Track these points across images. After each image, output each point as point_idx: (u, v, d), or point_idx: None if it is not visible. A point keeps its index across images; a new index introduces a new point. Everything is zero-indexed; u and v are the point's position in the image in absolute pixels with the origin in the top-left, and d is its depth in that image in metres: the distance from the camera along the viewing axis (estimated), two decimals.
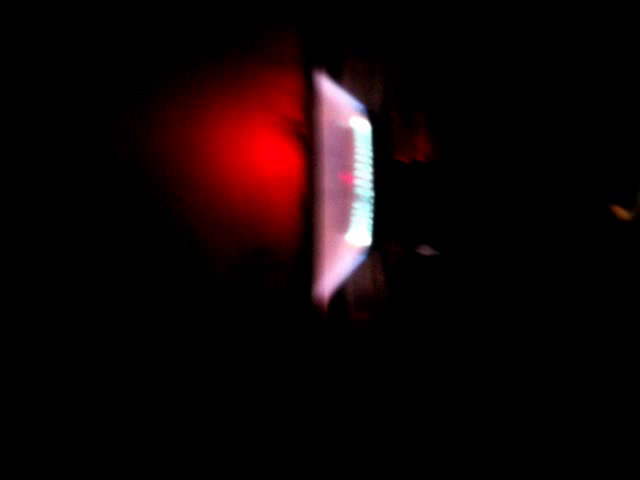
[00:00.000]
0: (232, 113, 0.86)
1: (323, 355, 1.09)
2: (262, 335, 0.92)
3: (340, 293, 1.32)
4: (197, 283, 0.88)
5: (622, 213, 1.18)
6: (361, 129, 1.31)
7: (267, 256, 0.89)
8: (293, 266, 0.89)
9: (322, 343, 1.07)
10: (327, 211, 1.30)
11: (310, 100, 0.88)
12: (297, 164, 0.87)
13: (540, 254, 1.15)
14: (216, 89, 0.85)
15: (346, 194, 1.27)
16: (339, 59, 1.38)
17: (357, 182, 1.26)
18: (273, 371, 0.94)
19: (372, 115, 1.26)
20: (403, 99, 1.05)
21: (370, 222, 1.22)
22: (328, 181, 1.30)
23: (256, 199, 0.86)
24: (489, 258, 1.06)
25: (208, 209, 0.86)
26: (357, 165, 1.28)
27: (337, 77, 1.37)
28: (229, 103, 0.86)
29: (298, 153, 0.87)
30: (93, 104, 0.84)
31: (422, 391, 1.14)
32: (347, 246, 1.34)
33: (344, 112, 1.37)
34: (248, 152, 0.86)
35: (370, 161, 1.23)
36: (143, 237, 0.87)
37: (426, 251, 1.09)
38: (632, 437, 1.00)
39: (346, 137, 1.31)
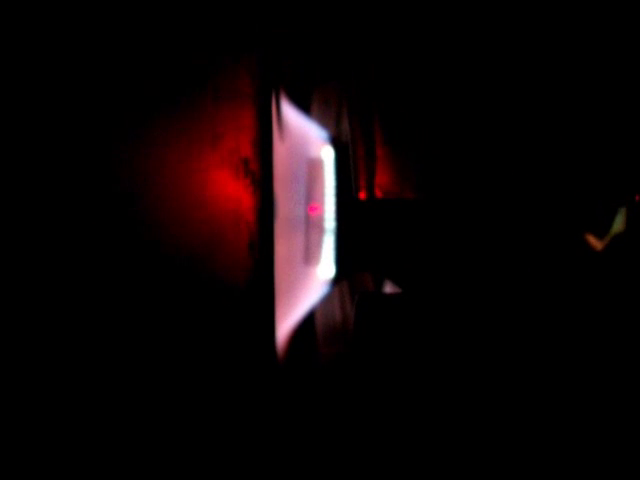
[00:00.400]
0: (181, 148, 0.84)
1: (280, 396, 1.06)
2: (213, 374, 0.90)
3: (307, 326, 1.29)
4: (141, 316, 0.86)
5: (594, 242, 1.17)
6: (329, 160, 1.29)
7: (215, 293, 0.87)
8: (244, 302, 0.87)
9: (279, 381, 1.03)
10: (293, 243, 1.28)
11: (265, 133, 0.87)
12: (246, 201, 0.85)
13: (509, 287, 1.13)
14: (164, 124, 0.84)
15: (314, 226, 1.25)
16: (308, 88, 1.38)
17: (323, 214, 1.25)
18: (226, 413, 0.91)
19: (337, 145, 1.25)
20: (367, 130, 1.03)
21: (334, 254, 1.20)
22: (295, 213, 1.28)
23: (204, 237, 0.84)
24: (452, 294, 1.03)
25: (155, 242, 0.84)
26: (323, 197, 1.26)
27: (305, 106, 1.37)
28: (177, 139, 0.84)
29: (247, 189, 0.84)
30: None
31: (394, 427, 1.12)
32: (313, 278, 1.32)
33: (312, 142, 1.36)
34: (197, 188, 0.84)
35: (334, 192, 1.21)
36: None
37: (389, 287, 1.07)
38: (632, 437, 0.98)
39: (314, 168, 1.30)
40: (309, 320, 1.30)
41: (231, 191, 0.84)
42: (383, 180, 0.94)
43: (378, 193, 0.95)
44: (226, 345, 0.90)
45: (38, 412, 0.80)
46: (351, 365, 1.17)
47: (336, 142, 1.30)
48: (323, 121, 1.42)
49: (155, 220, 0.83)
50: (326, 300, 1.36)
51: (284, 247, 1.25)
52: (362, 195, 0.95)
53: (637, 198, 1.07)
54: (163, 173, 0.82)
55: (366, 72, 0.99)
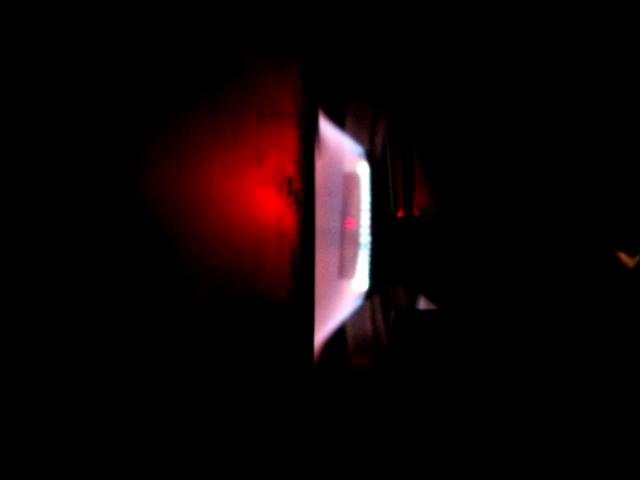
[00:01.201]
0: (225, 168, 0.87)
1: (316, 403, 1.08)
2: (255, 383, 0.92)
3: (340, 338, 1.31)
4: (186, 331, 0.88)
5: (626, 260, 1.17)
6: (364, 175, 1.31)
7: (257, 308, 0.90)
8: (285, 317, 0.89)
9: (315, 391, 1.05)
10: (328, 256, 1.30)
11: (307, 152, 0.89)
12: (288, 219, 0.88)
13: (544, 304, 1.14)
14: (210, 142, 0.87)
15: (349, 239, 1.28)
16: (342, 103, 1.40)
17: (358, 228, 1.26)
18: (265, 421, 0.93)
19: (373, 160, 1.27)
20: (404, 147, 1.05)
21: (368, 268, 1.22)
22: (331, 227, 1.30)
23: (247, 254, 0.86)
24: (487, 313, 1.05)
25: (200, 258, 0.86)
26: (359, 211, 1.28)
27: (340, 121, 1.39)
28: (222, 157, 0.87)
29: (290, 208, 0.87)
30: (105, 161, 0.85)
31: (419, 443, 1.13)
32: (348, 291, 1.34)
33: (348, 158, 1.38)
34: (240, 206, 0.87)
35: (369, 207, 1.23)
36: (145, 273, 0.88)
37: (422, 304, 1.09)
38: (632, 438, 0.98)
39: (350, 183, 1.32)
40: (341, 331, 1.32)
41: (275, 209, 0.86)
42: (421, 199, 0.96)
43: (416, 211, 0.97)
44: (268, 359, 0.92)
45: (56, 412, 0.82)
46: (388, 379, 1.17)
47: (371, 157, 1.32)
48: (358, 136, 1.44)
49: (201, 236, 0.86)
50: (358, 313, 1.38)
51: (321, 260, 1.27)
52: (400, 213, 0.97)
53: None
54: (209, 191, 0.85)
55: (405, 98, 1.01)
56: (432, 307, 1.08)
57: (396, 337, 1.04)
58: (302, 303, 0.89)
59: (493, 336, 1.03)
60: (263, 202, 0.86)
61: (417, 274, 1.11)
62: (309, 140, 0.89)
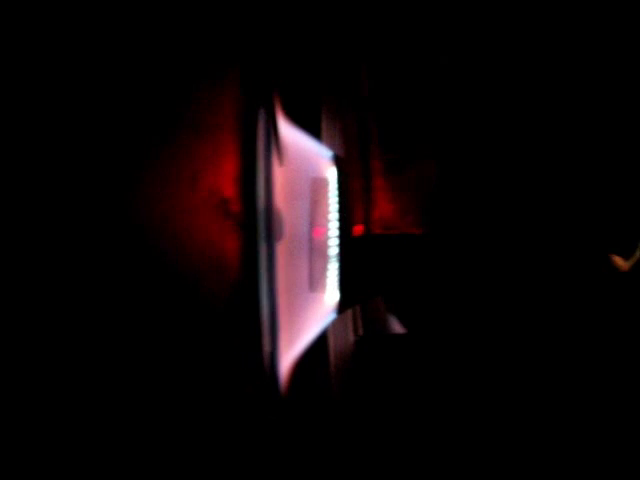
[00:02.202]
0: (159, 191, 0.78)
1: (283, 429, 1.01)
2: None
3: (320, 358, 1.24)
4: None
5: (620, 263, 1.12)
6: (332, 180, 1.23)
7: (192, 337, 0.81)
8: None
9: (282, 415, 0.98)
10: (298, 268, 1.23)
11: (249, 170, 0.80)
12: (228, 247, 0.79)
13: (525, 323, 1.05)
14: (140, 163, 0.78)
15: (318, 250, 1.20)
16: (315, 104, 1.32)
17: (327, 238, 1.19)
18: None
19: (340, 163, 1.18)
20: (364, 158, 0.96)
21: (338, 280, 1.14)
22: (300, 237, 1.22)
23: (180, 287, 0.78)
24: (461, 336, 0.96)
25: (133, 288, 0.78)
26: (327, 220, 1.20)
27: (312, 124, 1.31)
28: (155, 179, 0.78)
29: (230, 234, 0.78)
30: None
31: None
32: (320, 305, 1.27)
33: (316, 162, 1.30)
34: (175, 233, 0.78)
35: (337, 216, 1.15)
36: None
37: (396, 327, 1.00)
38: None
39: (318, 189, 1.24)
40: (321, 351, 1.24)
41: (211, 235, 0.78)
42: (381, 214, 0.87)
43: (375, 228, 0.87)
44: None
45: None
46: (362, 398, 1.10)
47: (340, 162, 1.24)
48: (329, 139, 1.36)
49: (130, 266, 0.78)
50: (340, 331, 1.31)
51: (289, 271, 1.20)
52: (358, 230, 0.88)
53: None
54: (138, 219, 0.77)
55: (362, 91, 0.92)
56: (399, 331, 0.99)
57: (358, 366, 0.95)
58: (244, 332, 0.80)
59: (466, 363, 0.94)
60: (199, 229, 0.78)
61: (384, 292, 1.02)
62: (252, 155, 0.80)
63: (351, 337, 1.45)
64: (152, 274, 0.80)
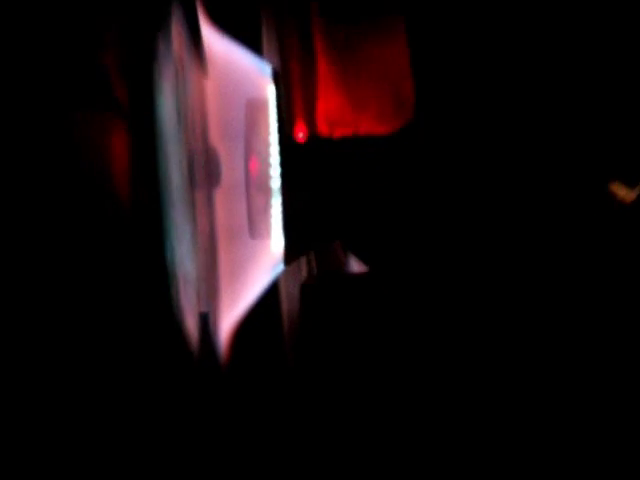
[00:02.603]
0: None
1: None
2: None
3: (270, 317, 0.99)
4: None
5: (623, 192, 0.92)
6: (272, 99, 0.99)
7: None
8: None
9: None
10: (233, 212, 1.00)
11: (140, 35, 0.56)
12: (116, 151, 0.55)
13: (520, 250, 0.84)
14: None
15: (257, 186, 0.97)
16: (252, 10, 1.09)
17: (267, 169, 0.95)
18: None
19: (276, 76, 0.94)
20: (303, 32, 0.71)
21: (283, 221, 0.92)
22: (232, 172, 1.00)
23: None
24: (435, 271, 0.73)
25: None
26: (266, 147, 0.97)
27: (246, 34, 1.08)
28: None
29: (110, 130, 0.54)
30: None
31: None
32: (265, 254, 1.04)
33: (251, 78, 1.06)
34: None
35: (278, 140, 0.92)
36: None
37: (354, 266, 0.77)
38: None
39: (255, 111, 1.00)
40: (272, 309, 1.00)
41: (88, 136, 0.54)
42: (330, 107, 0.63)
43: (322, 127, 0.64)
44: None
45: None
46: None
47: (275, 75, 1.00)
48: (268, 51, 1.12)
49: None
50: (292, 282, 1.09)
51: (224, 216, 0.98)
52: (298, 130, 0.64)
53: None
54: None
55: None
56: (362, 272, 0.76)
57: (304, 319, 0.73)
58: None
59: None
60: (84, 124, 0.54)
61: (341, 221, 0.79)
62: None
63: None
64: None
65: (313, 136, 0.65)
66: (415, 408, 0.83)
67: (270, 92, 1.03)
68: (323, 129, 0.64)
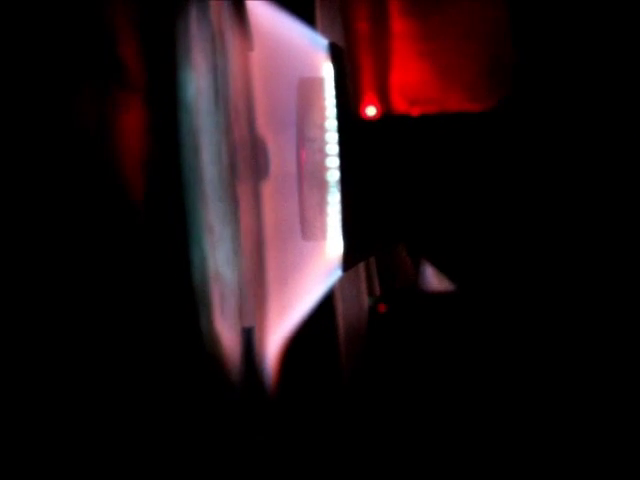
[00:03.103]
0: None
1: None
2: None
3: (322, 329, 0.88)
4: None
5: None
6: (329, 80, 0.85)
7: None
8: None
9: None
10: (282, 210, 0.86)
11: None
12: (128, 123, 0.41)
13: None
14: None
15: (311, 179, 0.83)
16: None
17: (324, 159, 0.81)
18: None
19: (336, 53, 0.80)
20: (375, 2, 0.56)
21: (342, 220, 0.77)
22: (282, 164, 0.86)
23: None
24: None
25: None
26: (323, 135, 0.82)
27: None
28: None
29: (122, 107, 0.41)
30: None
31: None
32: (319, 259, 0.90)
33: (304, 55, 0.92)
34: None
35: (338, 127, 0.77)
36: None
37: (436, 283, 0.61)
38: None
39: (309, 93, 0.86)
40: (324, 320, 0.89)
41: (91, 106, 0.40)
42: (407, 79, 0.48)
43: (399, 103, 0.49)
44: None
45: None
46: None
47: (335, 51, 0.86)
48: (323, 24, 0.99)
49: None
50: (347, 290, 0.95)
51: (272, 214, 0.84)
52: (368, 109, 0.49)
53: None
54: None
55: None
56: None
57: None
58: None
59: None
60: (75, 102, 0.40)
61: (417, 220, 0.63)
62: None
63: (365, 301, 1.10)
64: None
65: (386, 114, 0.50)
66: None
67: (326, 70, 0.89)
68: (399, 105, 0.49)
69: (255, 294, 0.81)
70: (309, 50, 0.92)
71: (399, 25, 0.50)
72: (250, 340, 0.76)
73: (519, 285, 0.57)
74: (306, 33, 0.94)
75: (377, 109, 0.51)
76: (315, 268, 0.91)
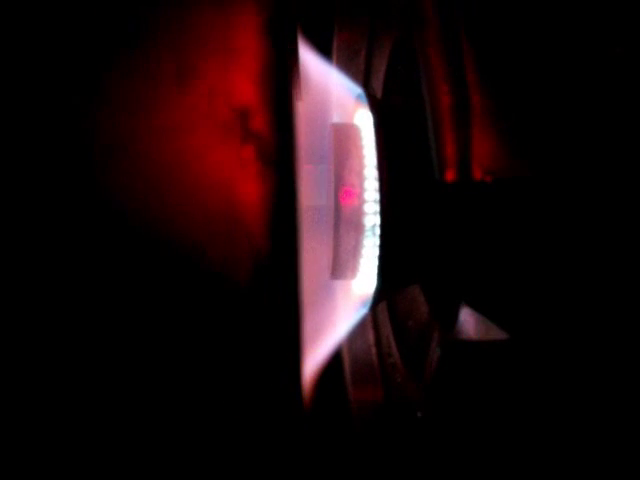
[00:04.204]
0: (173, 110, 0.43)
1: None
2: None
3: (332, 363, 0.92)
4: None
5: None
6: (366, 126, 0.89)
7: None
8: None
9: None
10: (315, 248, 0.89)
11: (283, 64, 0.45)
12: (246, 189, 0.44)
13: None
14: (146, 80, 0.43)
15: (347, 222, 0.86)
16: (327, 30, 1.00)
17: (361, 204, 0.85)
18: None
19: (376, 105, 0.84)
20: (455, 65, 0.60)
21: (378, 262, 0.81)
22: (318, 204, 0.89)
23: (176, 257, 0.43)
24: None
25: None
26: (360, 180, 0.86)
27: (326, 55, 0.99)
28: (169, 97, 0.43)
29: (247, 167, 0.44)
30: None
31: None
32: (347, 297, 0.93)
33: (340, 102, 0.96)
34: (189, 159, 0.43)
35: (376, 173, 0.81)
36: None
37: (483, 331, 0.65)
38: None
39: (345, 138, 0.90)
40: (332, 361, 0.92)
41: (219, 174, 0.43)
42: (485, 150, 0.52)
43: (477, 172, 0.53)
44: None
45: None
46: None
47: (374, 101, 0.90)
48: (349, 73, 1.03)
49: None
50: (355, 332, 0.98)
51: (303, 252, 0.87)
52: (450, 175, 0.54)
53: None
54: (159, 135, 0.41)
55: None
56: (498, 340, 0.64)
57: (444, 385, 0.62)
58: (276, 337, 0.47)
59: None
60: (193, 155, 0.43)
61: (455, 270, 0.67)
62: (287, 38, 0.45)
63: (371, 339, 1.14)
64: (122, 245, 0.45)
65: (465, 181, 0.55)
66: None
67: (359, 118, 0.93)
68: (477, 174, 0.53)
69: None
70: (345, 97, 0.96)
71: (477, 96, 0.54)
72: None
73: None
74: (338, 80, 0.99)
75: (454, 177, 0.55)
76: (340, 305, 0.95)
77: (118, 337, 0.51)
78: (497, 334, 0.61)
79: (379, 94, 1.02)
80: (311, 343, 0.88)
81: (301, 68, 0.83)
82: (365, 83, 1.07)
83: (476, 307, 0.64)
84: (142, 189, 0.48)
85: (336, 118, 0.97)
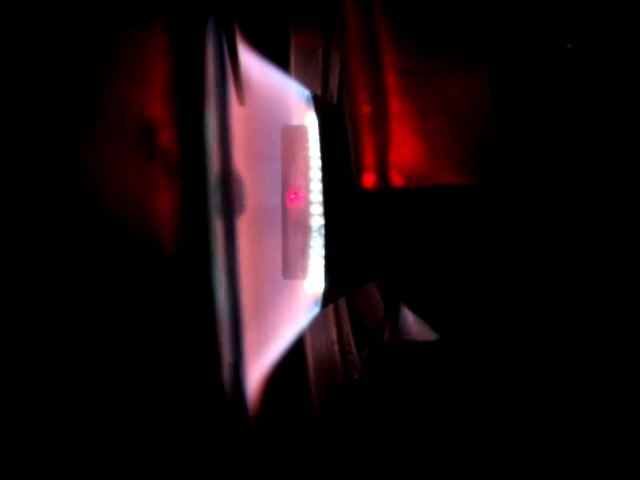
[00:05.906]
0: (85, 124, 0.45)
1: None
2: None
3: (293, 366, 0.91)
4: None
5: None
6: (313, 128, 0.90)
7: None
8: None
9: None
10: (266, 250, 0.91)
11: (186, 79, 0.47)
12: (160, 203, 0.46)
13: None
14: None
15: (295, 223, 0.88)
16: (283, 32, 1.01)
17: (307, 205, 0.86)
18: None
19: (324, 108, 0.85)
20: (375, 83, 0.62)
21: (324, 261, 0.83)
22: (267, 206, 0.91)
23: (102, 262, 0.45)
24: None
25: None
26: (306, 181, 0.88)
27: (279, 57, 1.00)
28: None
29: (157, 184, 0.45)
30: None
31: None
32: (298, 296, 0.95)
33: (289, 105, 0.97)
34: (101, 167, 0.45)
35: (321, 175, 0.83)
36: None
37: (419, 332, 0.67)
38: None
39: (294, 140, 0.91)
40: (295, 357, 0.91)
41: (135, 188, 0.45)
42: (404, 156, 0.54)
43: (395, 178, 0.55)
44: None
45: None
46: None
47: (323, 104, 0.91)
48: (304, 76, 1.04)
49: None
50: (319, 328, 1.00)
51: (254, 253, 0.89)
52: (367, 181, 0.55)
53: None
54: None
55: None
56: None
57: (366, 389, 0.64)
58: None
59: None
60: (118, 178, 0.45)
61: (394, 268, 0.69)
62: (189, 57, 0.46)
63: (334, 336, 1.15)
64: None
65: (385, 186, 0.56)
66: None
67: (309, 120, 0.95)
68: (397, 180, 0.55)
69: (233, 330, 0.85)
70: (294, 99, 0.98)
71: (396, 104, 0.56)
72: (237, 375, 0.80)
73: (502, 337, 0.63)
74: (288, 82, 1.00)
75: (374, 182, 0.57)
76: (293, 305, 0.96)
77: None
78: (429, 335, 0.63)
79: (335, 94, 1.04)
80: (264, 341, 0.90)
81: (244, 74, 0.84)
82: (324, 83, 1.08)
83: (411, 308, 0.66)
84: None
85: (288, 120, 0.98)
